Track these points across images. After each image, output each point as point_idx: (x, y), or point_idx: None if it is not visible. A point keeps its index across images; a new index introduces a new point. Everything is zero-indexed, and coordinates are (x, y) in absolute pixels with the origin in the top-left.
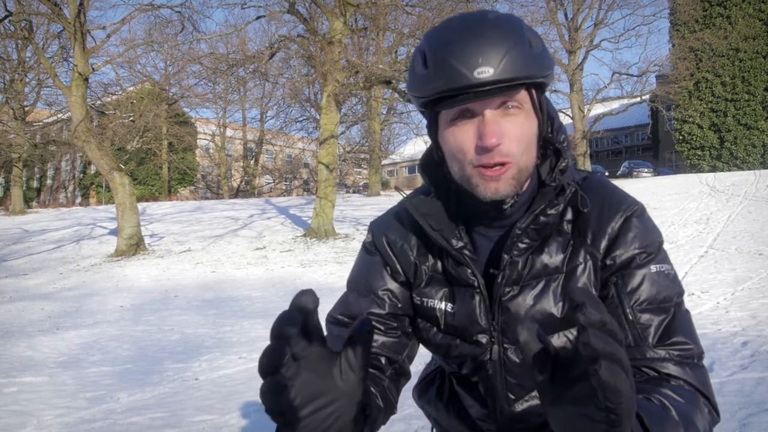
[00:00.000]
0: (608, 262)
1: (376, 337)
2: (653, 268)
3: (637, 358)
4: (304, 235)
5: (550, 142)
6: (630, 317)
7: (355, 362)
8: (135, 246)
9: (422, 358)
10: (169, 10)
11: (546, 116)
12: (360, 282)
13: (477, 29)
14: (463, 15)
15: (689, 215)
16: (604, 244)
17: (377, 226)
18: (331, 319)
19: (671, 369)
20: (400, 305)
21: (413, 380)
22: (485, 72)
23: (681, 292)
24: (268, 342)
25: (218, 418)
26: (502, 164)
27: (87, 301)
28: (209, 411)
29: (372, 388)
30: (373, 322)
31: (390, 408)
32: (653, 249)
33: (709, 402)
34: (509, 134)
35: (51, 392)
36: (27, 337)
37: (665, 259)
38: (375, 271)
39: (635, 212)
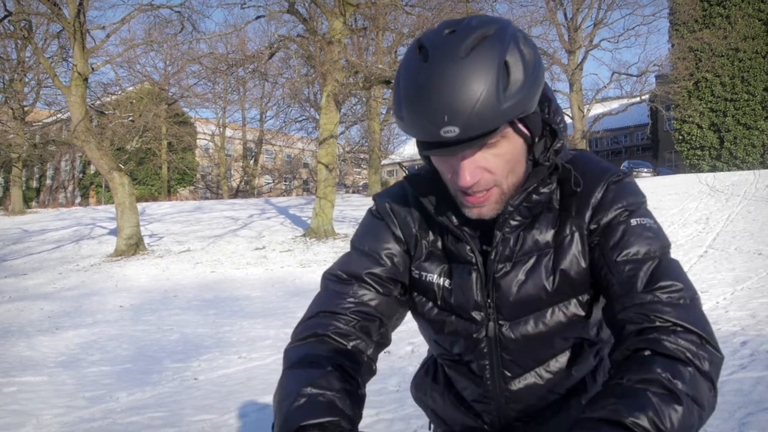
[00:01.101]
0: (592, 227)
1: (372, 296)
2: (633, 221)
3: (626, 306)
4: (304, 235)
5: (547, 123)
6: (615, 270)
7: None
8: (134, 246)
9: (419, 357)
10: (168, 10)
11: (537, 128)
12: (364, 241)
13: (447, 74)
14: (439, 42)
15: (689, 215)
16: (588, 213)
17: (381, 197)
18: (330, 276)
19: (664, 311)
20: (400, 270)
21: (411, 376)
22: (451, 132)
23: (666, 245)
24: (267, 342)
25: (217, 417)
26: (484, 193)
27: (86, 301)
28: (208, 410)
29: (354, 373)
30: (372, 282)
31: (370, 375)
32: (633, 207)
33: (709, 344)
34: (489, 167)
35: (50, 392)
36: (26, 337)
37: (647, 214)
38: (380, 233)
39: (617, 180)
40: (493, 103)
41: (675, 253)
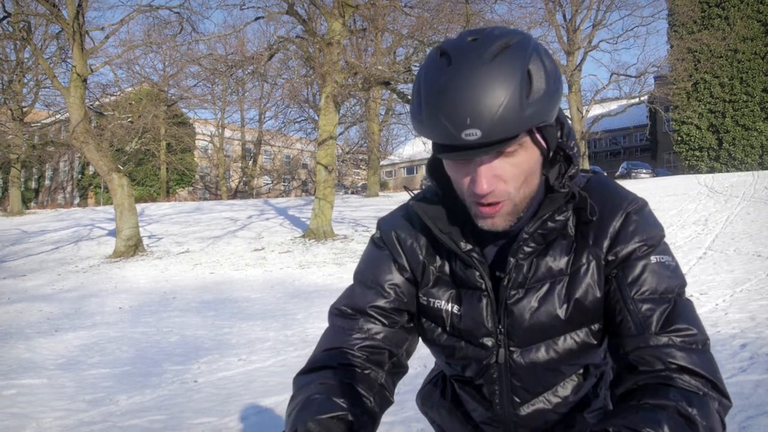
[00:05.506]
0: (610, 258)
1: (379, 329)
2: (653, 259)
3: (641, 347)
4: (303, 236)
5: (561, 148)
6: (631, 307)
7: None
8: (133, 247)
9: (419, 360)
10: (167, 11)
11: (553, 140)
12: (367, 275)
13: (471, 77)
14: (462, 47)
15: (688, 216)
16: (606, 243)
17: (386, 224)
18: (336, 311)
19: (677, 356)
20: (405, 300)
21: (417, 385)
22: (472, 135)
23: (683, 284)
24: (267, 344)
25: (217, 420)
26: (498, 203)
27: (86, 303)
28: (208, 413)
29: (364, 392)
30: (377, 315)
31: (386, 403)
32: (654, 242)
33: (718, 389)
34: (504, 176)
35: (50, 394)
36: (26, 339)
37: (666, 251)
38: (383, 264)
39: (635, 208)
40: (515, 108)
41: (674, 255)
